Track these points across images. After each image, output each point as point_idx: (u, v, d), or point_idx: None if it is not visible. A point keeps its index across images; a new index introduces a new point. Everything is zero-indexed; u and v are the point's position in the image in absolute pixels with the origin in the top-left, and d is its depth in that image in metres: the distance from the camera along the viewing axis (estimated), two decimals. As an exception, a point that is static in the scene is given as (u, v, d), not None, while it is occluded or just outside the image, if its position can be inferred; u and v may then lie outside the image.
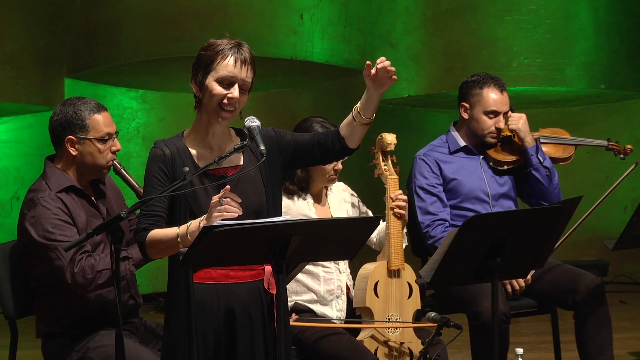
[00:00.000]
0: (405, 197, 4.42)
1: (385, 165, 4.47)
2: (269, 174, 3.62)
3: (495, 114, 4.94)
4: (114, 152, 4.10)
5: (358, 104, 3.61)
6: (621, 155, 5.16)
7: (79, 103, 4.07)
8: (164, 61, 7.55)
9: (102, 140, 4.05)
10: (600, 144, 5.12)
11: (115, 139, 4.11)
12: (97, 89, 8.01)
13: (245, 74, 3.53)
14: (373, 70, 3.52)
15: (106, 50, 7.69)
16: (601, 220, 8.39)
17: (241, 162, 3.61)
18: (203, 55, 3.56)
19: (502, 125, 4.96)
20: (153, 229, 3.47)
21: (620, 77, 8.11)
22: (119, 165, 4.15)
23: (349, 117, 3.63)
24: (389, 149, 4.47)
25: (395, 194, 4.40)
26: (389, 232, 4.39)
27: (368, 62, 3.54)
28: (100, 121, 4.06)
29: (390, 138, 4.46)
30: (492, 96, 4.94)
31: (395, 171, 4.46)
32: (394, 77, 3.55)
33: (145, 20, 7.56)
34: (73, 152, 4.05)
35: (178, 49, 7.36)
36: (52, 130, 4.10)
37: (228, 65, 3.52)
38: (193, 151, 3.59)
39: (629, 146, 5.14)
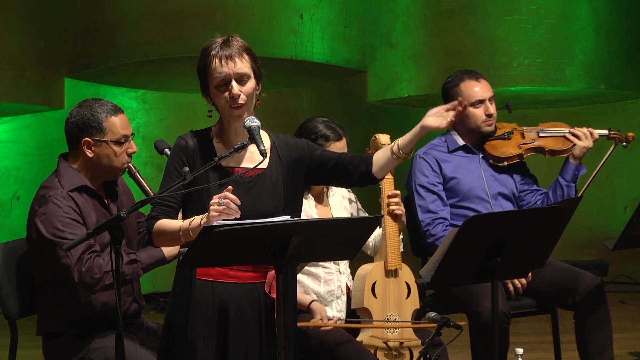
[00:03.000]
0: (398, 192, 4.41)
1: (379, 166, 4.47)
2: (292, 181, 3.64)
3: (481, 102, 4.96)
4: (129, 155, 4.09)
5: (400, 139, 3.64)
6: (624, 144, 5.11)
7: (96, 105, 4.05)
8: (164, 61, 7.55)
9: (119, 142, 4.04)
10: (601, 134, 5.06)
11: (131, 141, 4.10)
12: (97, 89, 8.01)
13: (235, 66, 3.54)
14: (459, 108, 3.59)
15: (106, 50, 7.69)
16: (601, 220, 8.40)
17: (265, 165, 3.61)
18: (199, 65, 3.60)
19: (491, 110, 4.97)
20: (162, 218, 3.52)
21: (619, 77, 8.11)
22: (134, 168, 4.15)
23: (386, 149, 3.66)
24: None
25: (390, 193, 4.40)
26: (385, 232, 4.39)
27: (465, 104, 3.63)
28: (117, 123, 4.05)
29: (384, 139, 4.46)
30: (472, 88, 4.96)
31: (390, 172, 4.46)
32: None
33: (145, 20, 7.56)
34: (89, 154, 4.04)
35: (178, 49, 7.36)
36: (69, 132, 4.08)
37: (215, 69, 3.54)
38: (217, 146, 3.62)
39: (630, 134, 5.09)
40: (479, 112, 4.96)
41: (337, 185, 4.19)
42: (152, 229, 3.53)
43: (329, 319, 4.31)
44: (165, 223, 3.51)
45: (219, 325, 3.54)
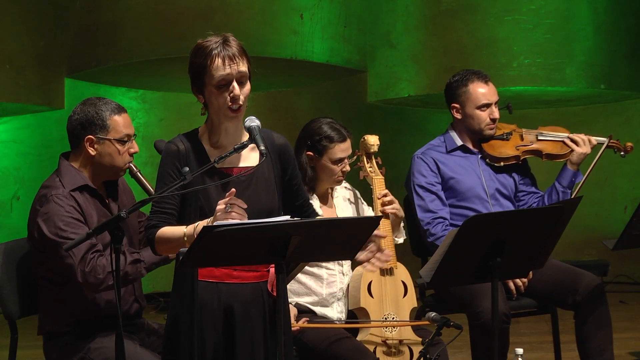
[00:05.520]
0: (387, 192, 4.42)
1: (370, 166, 4.48)
2: (280, 177, 3.63)
3: (487, 106, 4.97)
4: (131, 155, 4.09)
5: None
6: (622, 153, 5.13)
7: (100, 103, 4.06)
8: (164, 61, 7.55)
9: (122, 141, 4.05)
10: (600, 141, 5.07)
11: (134, 142, 4.10)
12: (97, 89, 8.01)
13: (237, 67, 3.52)
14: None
15: (106, 50, 7.69)
16: (601, 220, 8.39)
17: (256, 163, 3.60)
18: (194, 62, 3.55)
19: (496, 115, 4.98)
20: (163, 226, 3.50)
21: (619, 77, 8.10)
22: (135, 168, 4.15)
23: None
24: (372, 150, 4.48)
25: (380, 193, 4.40)
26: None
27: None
28: (121, 122, 4.05)
29: (373, 140, 4.46)
30: (480, 90, 4.97)
31: (380, 172, 4.45)
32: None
33: (145, 20, 7.56)
34: (92, 152, 4.04)
35: (178, 49, 7.36)
36: (72, 129, 4.08)
37: (218, 67, 3.50)
38: (207, 148, 3.60)
39: (629, 144, 5.11)
40: (483, 116, 4.97)
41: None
42: (155, 238, 3.50)
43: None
44: (168, 230, 3.49)
45: (225, 326, 3.53)
